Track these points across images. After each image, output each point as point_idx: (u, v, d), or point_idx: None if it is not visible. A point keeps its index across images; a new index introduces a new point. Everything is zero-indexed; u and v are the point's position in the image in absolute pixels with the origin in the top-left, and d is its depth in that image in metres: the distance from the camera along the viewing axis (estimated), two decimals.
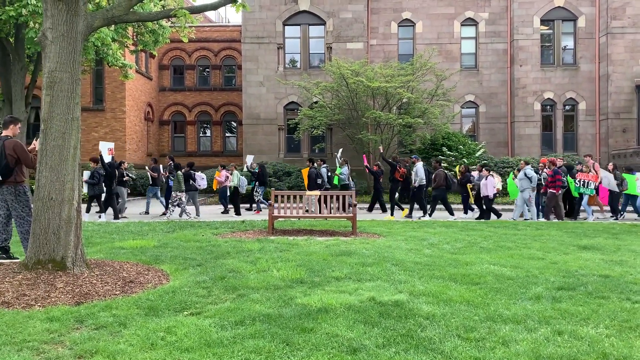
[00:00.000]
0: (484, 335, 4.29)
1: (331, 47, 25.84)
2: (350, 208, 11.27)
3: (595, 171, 14.64)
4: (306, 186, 16.93)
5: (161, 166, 17.91)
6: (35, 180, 5.91)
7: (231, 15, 46.65)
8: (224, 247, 8.81)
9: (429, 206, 15.26)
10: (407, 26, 26.56)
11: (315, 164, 15.52)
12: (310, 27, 26.31)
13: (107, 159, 15.30)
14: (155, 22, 19.88)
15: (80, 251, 6.04)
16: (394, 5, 26.33)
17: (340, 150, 19.54)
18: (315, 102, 23.94)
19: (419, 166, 15.30)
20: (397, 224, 12.71)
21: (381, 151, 17.96)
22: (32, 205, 6.43)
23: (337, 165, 17.61)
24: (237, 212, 16.27)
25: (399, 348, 3.97)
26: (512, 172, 15.82)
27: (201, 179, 16.22)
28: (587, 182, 14.33)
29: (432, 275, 6.53)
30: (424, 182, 15.25)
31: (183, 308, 5.07)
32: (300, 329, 4.37)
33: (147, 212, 17.04)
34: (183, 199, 14.77)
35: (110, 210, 15.47)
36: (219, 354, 3.80)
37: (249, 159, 18.47)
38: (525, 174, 14.10)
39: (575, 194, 14.95)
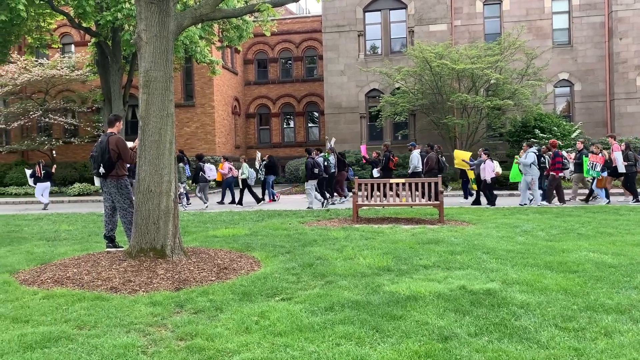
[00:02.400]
0: (584, 325, 4.07)
1: (413, 31, 25.32)
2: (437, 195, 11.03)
3: (610, 152, 14.05)
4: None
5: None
6: (136, 174, 6.32)
7: (311, 6, 46.94)
8: (310, 235, 8.97)
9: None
10: (493, 4, 25.40)
11: (312, 154, 15.78)
12: (390, 11, 25.91)
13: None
14: (239, 17, 20.46)
15: (178, 240, 6.39)
16: None
17: (333, 139, 19.63)
18: (398, 88, 23.60)
19: (414, 154, 15.57)
20: (487, 211, 12.30)
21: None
22: (133, 198, 6.88)
23: (326, 153, 17.76)
24: (257, 200, 16.77)
25: (492, 337, 3.86)
26: (515, 156, 15.16)
27: (210, 170, 16.73)
28: (595, 164, 14.01)
29: (526, 264, 6.27)
30: (419, 169, 15.30)
31: (274, 293, 5.24)
32: (389, 316, 4.37)
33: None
34: (182, 190, 15.45)
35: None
36: (311, 338, 3.89)
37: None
38: (526, 157, 13.73)
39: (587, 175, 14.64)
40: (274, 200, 18.15)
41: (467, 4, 25.38)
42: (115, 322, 4.43)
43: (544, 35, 24.64)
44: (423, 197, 11.00)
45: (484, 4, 25.36)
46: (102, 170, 6.92)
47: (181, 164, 15.77)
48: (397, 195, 11.08)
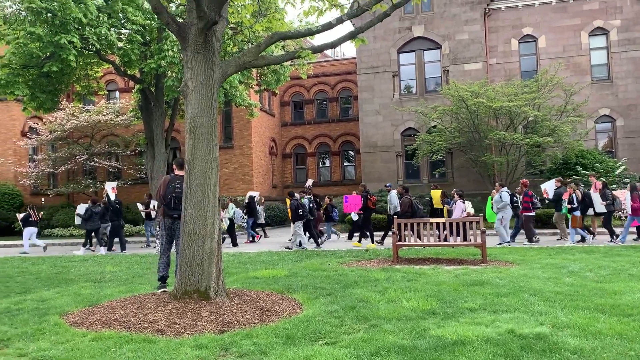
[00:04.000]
0: None
1: (448, 70, 25.48)
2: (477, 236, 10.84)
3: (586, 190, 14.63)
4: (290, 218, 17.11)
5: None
6: (181, 217, 6.47)
7: (346, 49, 47.95)
8: (350, 276, 8.91)
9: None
10: (528, 42, 25.43)
11: (296, 196, 16.05)
12: (425, 52, 26.22)
13: (112, 197, 17.38)
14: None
15: (221, 281, 6.46)
16: (512, 22, 25.40)
17: (311, 180, 20.66)
18: (434, 127, 23.61)
19: (392, 194, 15.91)
20: (531, 251, 11.99)
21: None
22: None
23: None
24: (234, 243, 17.22)
25: None
26: (490, 197, 15.46)
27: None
28: (564, 201, 14.21)
29: (576, 306, 6.06)
30: (399, 209, 15.32)
31: (318, 337, 5.20)
32: None
33: (148, 245, 18.24)
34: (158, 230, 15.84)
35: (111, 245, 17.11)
36: None
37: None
38: (501, 197, 14.15)
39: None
40: (253, 241, 18.74)
41: (502, 42, 25.48)
42: None
43: (582, 72, 24.41)
44: (464, 237, 10.83)
45: (520, 42, 25.40)
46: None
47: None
48: (438, 237, 10.92)
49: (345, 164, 33.72)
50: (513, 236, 14.72)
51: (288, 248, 15.29)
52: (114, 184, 18.68)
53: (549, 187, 15.23)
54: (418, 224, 11.20)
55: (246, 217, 19.08)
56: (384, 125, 26.11)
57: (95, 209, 16.48)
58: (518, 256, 11.02)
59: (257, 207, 19.49)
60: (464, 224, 10.95)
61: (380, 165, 26.14)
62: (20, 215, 18.15)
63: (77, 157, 26.09)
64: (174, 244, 7.50)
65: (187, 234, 6.32)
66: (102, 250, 16.22)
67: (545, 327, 5.21)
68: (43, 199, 27.77)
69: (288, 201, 18.94)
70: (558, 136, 20.09)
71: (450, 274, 8.87)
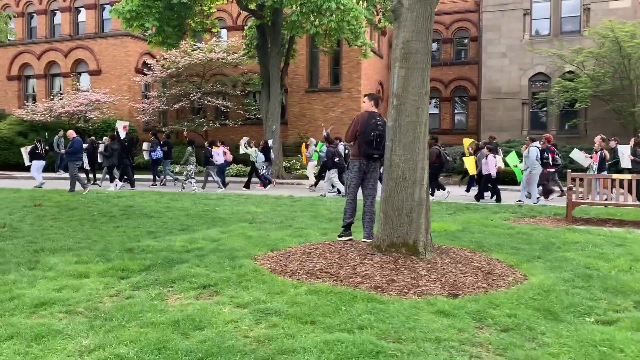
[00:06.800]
0: None
1: (589, 9, 22.67)
2: None
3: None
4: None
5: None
6: (386, 159, 5.63)
7: None
8: (536, 236, 7.84)
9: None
10: None
11: (333, 143, 15.00)
12: None
13: (122, 134, 16.97)
14: None
15: (430, 235, 5.64)
16: None
17: (332, 126, 19.07)
18: (570, 72, 21.27)
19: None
20: None
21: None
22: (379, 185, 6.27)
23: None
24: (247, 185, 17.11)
25: None
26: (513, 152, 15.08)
27: (217, 155, 16.77)
28: (592, 163, 13.79)
29: None
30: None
31: (581, 313, 4.26)
32: None
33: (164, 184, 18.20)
34: (189, 171, 16.02)
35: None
36: None
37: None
38: (529, 152, 13.32)
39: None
40: (264, 185, 17.55)
41: None
42: (420, 336, 3.72)
43: None
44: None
45: None
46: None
47: (189, 148, 16.21)
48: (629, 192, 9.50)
49: (456, 111, 31.83)
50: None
51: (322, 195, 14.57)
52: (126, 123, 18.26)
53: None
54: (597, 180, 9.80)
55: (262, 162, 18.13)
56: (511, 69, 23.95)
57: (114, 146, 16.30)
58: None
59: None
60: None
61: (503, 114, 24.19)
62: (27, 149, 17.48)
63: (191, 96, 26.17)
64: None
65: (394, 179, 5.48)
66: (112, 186, 16.03)
67: None
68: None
69: (304, 147, 18.82)
70: None
71: None
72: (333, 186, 15.29)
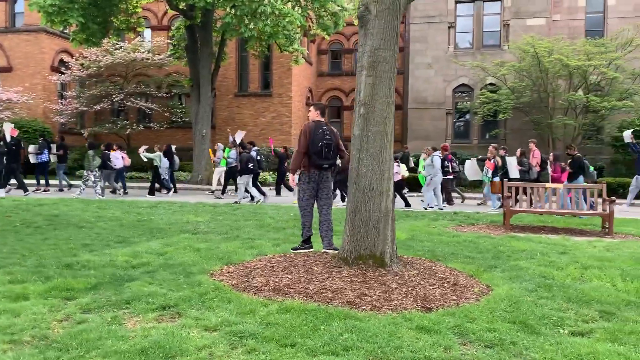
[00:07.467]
0: None
1: (508, 25, 23.97)
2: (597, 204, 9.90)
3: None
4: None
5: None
6: (352, 169, 5.48)
7: None
8: (482, 243, 8.01)
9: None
10: None
11: (247, 147, 15.05)
12: (485, 3, 24.61)
13: (8, 137, 16.03)
14: (338, 4, 19.58)
15: (395, 246, 5.54)
16: None
17: (242, 133, 17.57)
18: (492, 84, 22.32)
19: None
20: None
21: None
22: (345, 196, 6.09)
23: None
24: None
25: None
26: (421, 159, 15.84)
27: (116, 159, 16.38)
28: (487, 170, 14.58)
29: None
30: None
31: (555, 324, 4.30)
32: None
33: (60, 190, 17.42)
34: (92, 177, 15.26)
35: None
36: None
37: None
38: (432, 161, 13.99)
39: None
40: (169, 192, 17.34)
41: None
42: (409, 355, 3.57)
43: None
44: (576, 205, 9.89)
45: None
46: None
47: (89, 152, 15.57)
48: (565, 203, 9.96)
49: None
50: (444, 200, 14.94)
51: (237, 202, 14.33)
52: (12, 125, 17.16)
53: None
54: (531, 189, 10.22)
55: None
56: (436, 80, 24.79)
57: (1, 150, 15.47)
58: (633, 228, 10.11)
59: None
60: (584, 191, 9.99)
61: (429, 123, 24.97)
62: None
63: (113, 96, 24.83)
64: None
65: (361, 189, 5.34)
66: (2, 192, 15.18)
67: None
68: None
69: (211, 152, 18.50)
70: (634, 101, 18.84)
71: (593, 246, 7.98)
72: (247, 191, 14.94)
